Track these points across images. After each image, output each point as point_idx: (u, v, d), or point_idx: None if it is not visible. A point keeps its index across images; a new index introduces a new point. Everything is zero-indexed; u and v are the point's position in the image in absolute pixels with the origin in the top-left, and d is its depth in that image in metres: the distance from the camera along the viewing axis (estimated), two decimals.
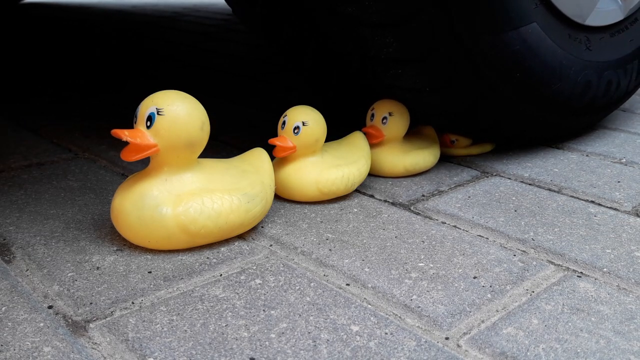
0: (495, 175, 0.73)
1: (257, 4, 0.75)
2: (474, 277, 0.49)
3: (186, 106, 0.51)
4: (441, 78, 0.68)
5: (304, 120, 0.61)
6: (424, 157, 0.71)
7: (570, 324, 0.43)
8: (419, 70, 0.68)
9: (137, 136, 0.49)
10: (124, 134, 0.49)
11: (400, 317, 0.43)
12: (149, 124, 0.49)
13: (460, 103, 0.71)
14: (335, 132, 0.76)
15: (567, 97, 0.75)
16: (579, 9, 0.73)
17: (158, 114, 0.49)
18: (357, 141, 0.68)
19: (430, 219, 0.60)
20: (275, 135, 0.66)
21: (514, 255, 0.53)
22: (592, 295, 0.47)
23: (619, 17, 0.78)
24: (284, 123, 0.62)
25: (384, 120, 0.69)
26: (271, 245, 0.54)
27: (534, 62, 0.69)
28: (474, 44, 0.65)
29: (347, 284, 0.48)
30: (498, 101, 0.71)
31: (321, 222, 0.59)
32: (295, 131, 0.61)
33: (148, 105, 0.50)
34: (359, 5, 0.64)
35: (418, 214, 0.61)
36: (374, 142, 0.70)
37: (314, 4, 0.69)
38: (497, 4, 0.65)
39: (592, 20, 0.75)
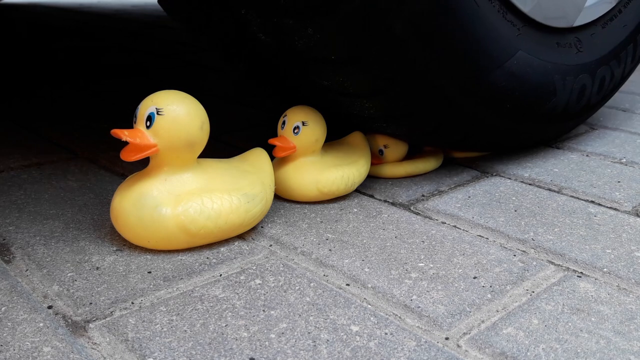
0: (495, 175, 0.73)
1: (240, 63, 0.74)
2: (474, 277, 0.49)
3: (186, 106, 0.50)
4: (429, 125, 0.66)
5: (304, 120, 0.61)
6: (424, 162, 0.71)
7: (570, 324, 0.43)
8: (404, 122, 0.66)
9: (137, 136, 0.49)
10: (124, 134, 0.49)
11: (400, 317, 0.43)
12: (148, 124, 0.49)
13: (453, 137, 0.70)
14: (335, 132, 0.76)
15: (564, 107, 0.73)
16: (565, 13, 0.71)
17: (158, 114, 0.49)
18: (357, 141, 0.68)
19: (430, 219, 0.60)
20: (275, 134, 0.66)
21: (514, 255, 0.53)
22: (592, 295, 0.46)
23: (611, 4, 0.75)
24: (283, 123, 0.62)
25: (381, 152, 0.71)
26: (271, 245, 0.54)
27: (524, 88, 0.67)
28: (457, 93, 0.63)
29: (347, 284, 0.48)
30: (492, 129, 0.70)
31: (321, 222, 0.59)
32: (295, 131, 0.61)
33: (148, 105, 0.50)
34: (333, 80, 0.62)
35: (418, 214, 0.61)
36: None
37: (292, 74, 0.67)
38: (474, 50, 0.61)
39: (582, 19, 0.73)
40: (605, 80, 0.78)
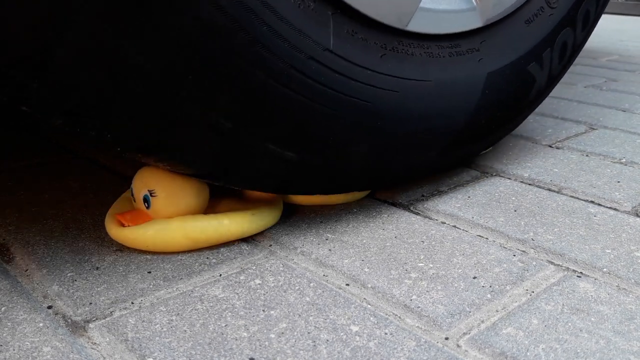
0: (495, 175, 0.73)
1: None
2: (474, 277, 0.49)
3: (177, 183, 0.51)
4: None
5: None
6: None
7: (570, 324, 0.43)
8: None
9: (140, 220, 0.51)
10: (126, 220, 0.51)
11: (400, 317, 0.43)
12: (146, 205, 0.51)
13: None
14: None
15: (547, 79, 0.68)
16: None
17: (151, 195, 0.51)
18: None
19: (430, 219, 0.60)
20: None
21: (514, 256, 0.53)
22: (592, 295, 0.47)
23: None
24: None
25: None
26: (271, 245, 0.54)
27: (505, 105, 0.62)
28: (439, 156, 0.60)
29: (347, 284, 0.48)
30: (482, 145, 0.69)
31: (321, 222, 0.59)
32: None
33: (139, 188, 0.51)
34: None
35: (418, 214, 0.61)
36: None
37: None
38: (444, 123, 0.56)
39: None
40: (589, 14, 0.68)
